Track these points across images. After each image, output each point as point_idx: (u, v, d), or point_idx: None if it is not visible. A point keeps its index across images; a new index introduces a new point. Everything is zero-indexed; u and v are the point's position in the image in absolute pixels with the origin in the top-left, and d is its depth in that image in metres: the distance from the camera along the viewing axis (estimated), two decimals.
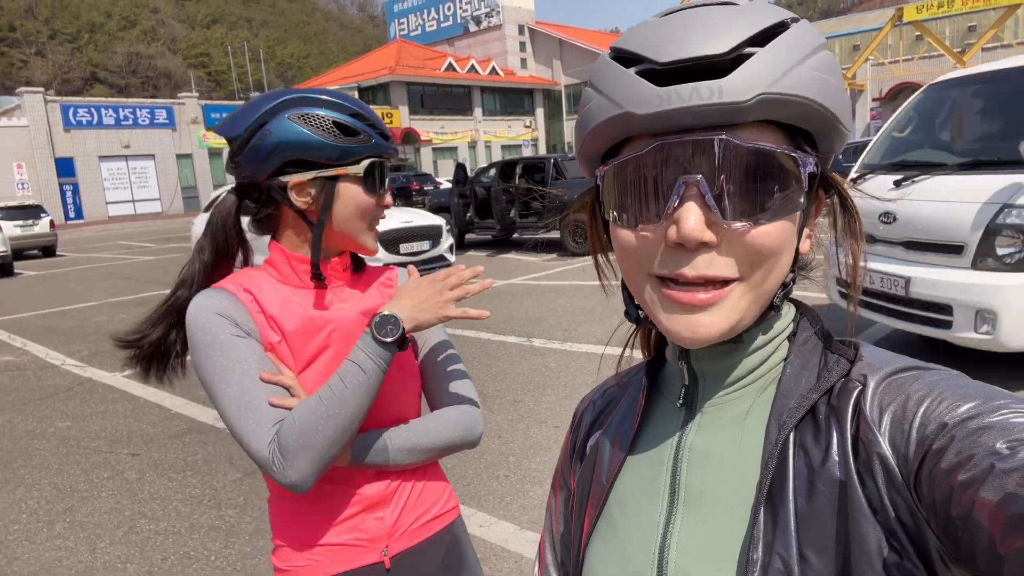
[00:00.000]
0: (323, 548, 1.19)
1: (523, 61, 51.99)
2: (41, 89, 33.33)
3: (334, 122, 1.14)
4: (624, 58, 0.55)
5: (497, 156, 43.99)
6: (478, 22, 52.67)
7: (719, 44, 0.50)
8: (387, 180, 1.24)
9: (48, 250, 19.57)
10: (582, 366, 5.66)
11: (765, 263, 0.54)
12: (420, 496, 1.25)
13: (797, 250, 0.59)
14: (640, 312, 0.62)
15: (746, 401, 0.60)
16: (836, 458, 0.52)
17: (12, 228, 17.78)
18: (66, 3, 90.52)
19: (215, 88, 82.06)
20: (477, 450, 4.17)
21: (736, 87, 0.50)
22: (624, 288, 0.64)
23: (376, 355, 1.10)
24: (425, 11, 56.28)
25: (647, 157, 0.53)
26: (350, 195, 1.18)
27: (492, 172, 14.18)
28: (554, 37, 50.97)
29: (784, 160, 0.52)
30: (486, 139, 46.14)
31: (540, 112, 50.50)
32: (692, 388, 0.63)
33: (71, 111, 32.65)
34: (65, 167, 32.43)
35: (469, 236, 14.89)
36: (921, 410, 0.49)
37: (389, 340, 1.10)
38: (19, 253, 18.16)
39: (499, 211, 13.25)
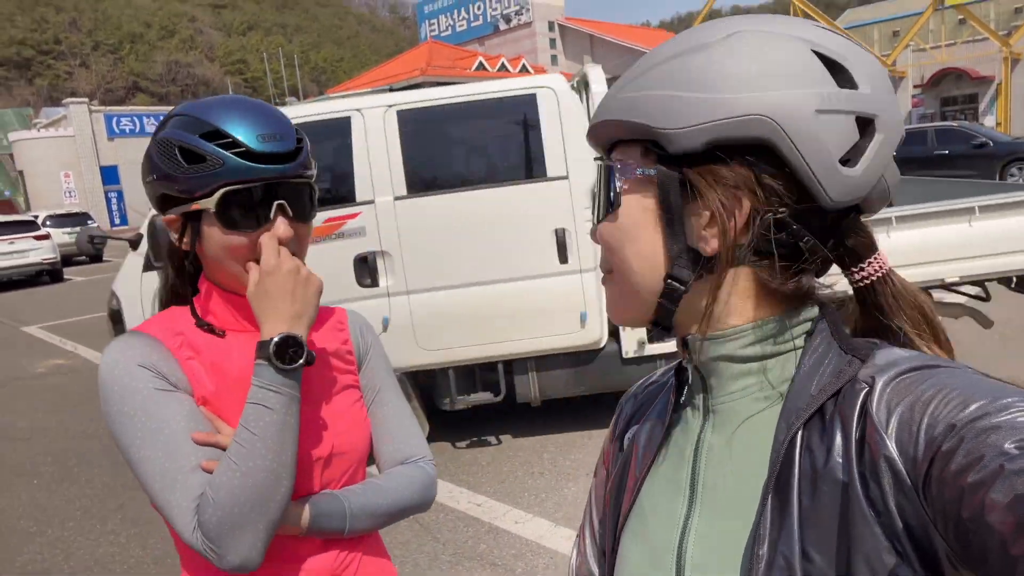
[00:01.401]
0: None
1: (554, 58, 51.86)
2: (85, 100, 34.38)
3: (179, 148, 0.95)
4: None
5: None
6: (508, 20, 52.73)
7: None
8: (274, 207, 0.96)
9: (95, 256, 20.21)
10: None
11: (614, 255, 0.63)
12: (366, 572, 1.10)
13: (696, 251, 0.58)
14: None
15: (759, 400, 0.61)
16: (839, 459, 0.52)
17: (61, 235, 18.39)
18: (108, 15, 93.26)
19: (252, 94, 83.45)
20: (512, 447, 4.22)
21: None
22: None
23: (280, 384, 0.92)
24: (455, 11, 56.53)
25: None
26: (211, 234, 0.97)
27: None
28: (585, 33, 50.76)
29: (605, 170, 0.64)
30: None
31: None
32: (702, 386, 0.64)
33: (114, 120, 33.59)
34: (110, 175, 33.38)
35: None
36: (929, 411, 0.49)
37: (295, 365, 0.92)
38: (68, 259, 18.77)
39: None
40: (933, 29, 37.00)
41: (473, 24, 55.35)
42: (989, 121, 32.19)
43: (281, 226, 0.97)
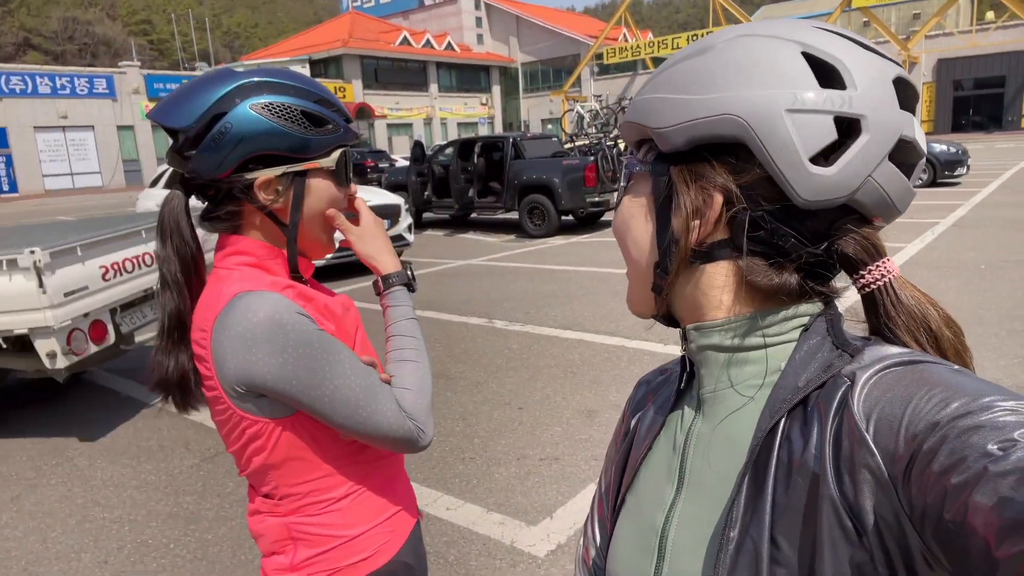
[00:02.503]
0: (392, 520, 1.19)
1: (479, 37, 51.38)
2: None
3: (302, 112, 1.06)
4: None
5: (453, 133, 43.59)
6: None
7: None
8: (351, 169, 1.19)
9: None
10: (544, 349, 5.69)
11: (620, 244, 0.68)
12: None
13: (679, 241, 0.61)
14: None
15: (747, 391, 0.62)
16: (814, 452, 0.53)
17: None
18: None
19: (158, 57, 78.74)
20: (442, 432, 4.18)
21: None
22: None
23: (411, 301, 1.21)
24: None
25: None
26: (321, 190, 1.11)
27: (450, 150, 14.03)
28: (511, 14, 50.46)
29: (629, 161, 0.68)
30: (442, 116, 45.59)
31: (496, 89, 50.09)
32: (699, 376, 0.67)
33: (3, 79, 30.95)
34: None
35: (426, 215, 14.74)
36: (910, 408, 0.49)
37: (415, 287, 1.23)
38: None
39: (457, 190, 13.13)
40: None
41: None
42: None
43: (354, 184, 1.18)
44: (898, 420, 0.49)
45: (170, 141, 1.10)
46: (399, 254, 10.56)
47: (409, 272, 1.23)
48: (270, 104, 1.04)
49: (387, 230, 9.16)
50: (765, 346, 0.61)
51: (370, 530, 1.16)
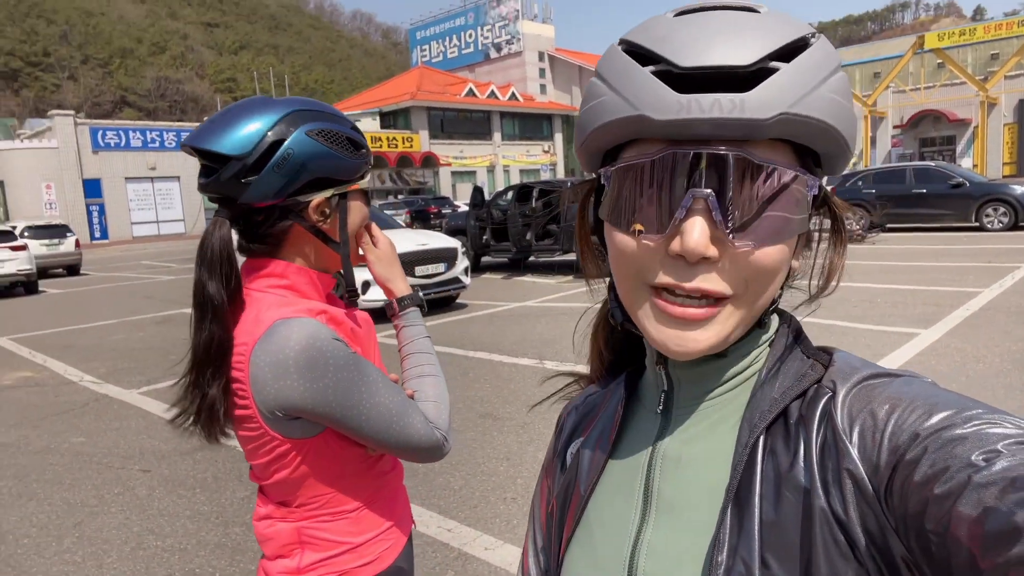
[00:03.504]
0: (394, 528, 1.24)
1: (542, 87, 52.49)
2: (71, 112, 34.22)
3: (347, 138, 1.15)
4: (638, 54, 0.53)
5: (515, 180, 44.24)
6: (499, 49, 53.37)
7: (742, 55, 0.49)
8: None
9: (72, 269, 19.93)
10: None
11: (761, 283, 0.54)
12: None
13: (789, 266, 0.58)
14: (625, 314, 0.62)
15: (722, 407, 0.60)
16: (802, 464, 0.51)
17: (38, 247, 18.14)
18: (99, 29, 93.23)
19: None
20: (485, 472, 4.15)
21: (758, 103, 0.48)
22: (611, 289, 0.65)
23: (424, 323, 1.30)
24: (447, 38, 57.21)
25: (657, 163, 0.52)
26: (358, 209, 1.21)
27: (509, 196, 14.25)
28: (573, 64, 51.47)
29: (795, 182, 0.52)
30: (504, 163, 46.45)
31: (559, 137, 50.79)
32: (669, 395, 0.62)
33: (100, 133, 33.43)
34: (92, 188, 33.13)
35: (485, 259, 14.93)
36: (893, 419, 0.48)
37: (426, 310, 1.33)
38: (44, 271, 18.50)
39: (515, 234, 13.27)
40: (913, 71, 37.90)
41: (464, 51, 55.97)
42: (966, 163, 32.85)
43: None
44: (881, 431, 0.48)
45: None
46: (455, 296, 10.57)
47: (420, 295, 1.32)
48: (323, 131, 1.12)
49: (443, 272, 9.33)
50: (749, 364, 0.60)
51: (376, 537, 1.21)
